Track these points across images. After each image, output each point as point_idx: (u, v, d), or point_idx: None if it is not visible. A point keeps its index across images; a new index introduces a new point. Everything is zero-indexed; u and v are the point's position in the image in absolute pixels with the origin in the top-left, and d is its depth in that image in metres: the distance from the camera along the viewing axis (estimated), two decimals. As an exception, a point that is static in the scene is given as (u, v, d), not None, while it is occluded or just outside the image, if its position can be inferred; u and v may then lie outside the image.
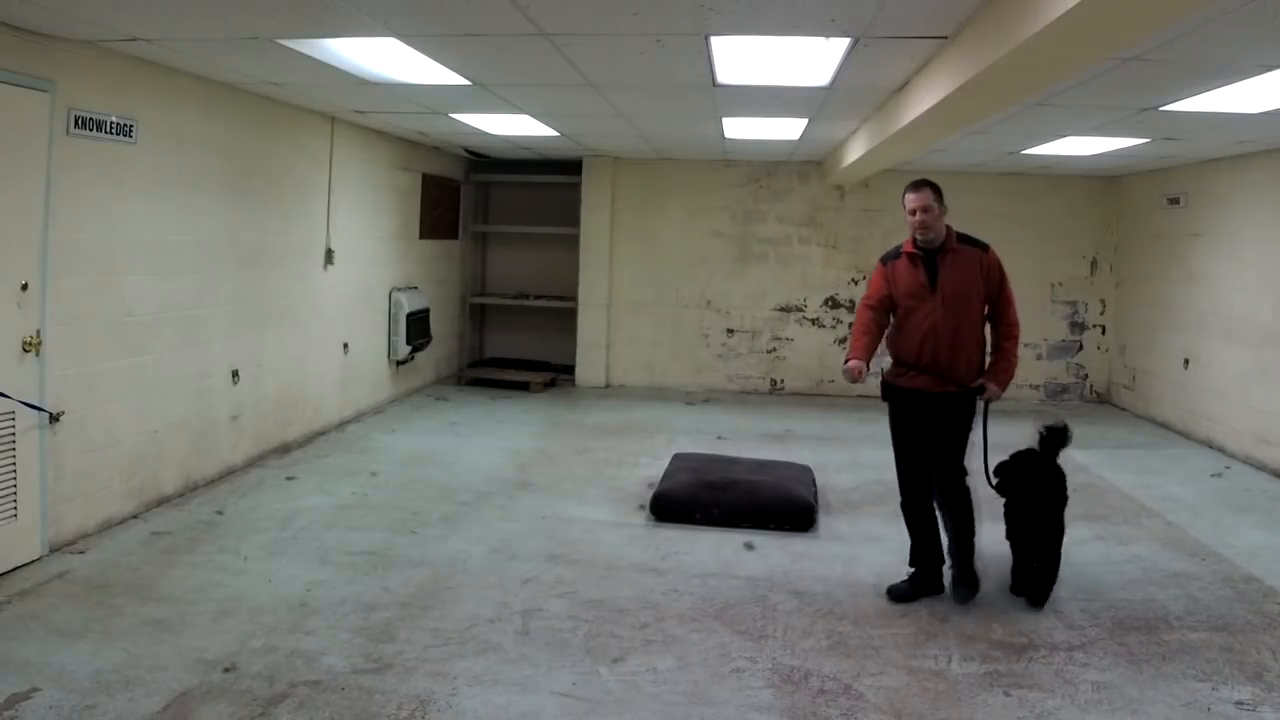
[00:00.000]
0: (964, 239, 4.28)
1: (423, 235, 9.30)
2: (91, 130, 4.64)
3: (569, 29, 4.08)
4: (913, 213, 4.18)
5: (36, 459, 4.44)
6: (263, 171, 6.31)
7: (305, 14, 3.93)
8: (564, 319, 10.47)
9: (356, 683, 3.39)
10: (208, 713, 3.14)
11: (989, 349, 4.34)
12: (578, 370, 10.29)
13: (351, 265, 7.73)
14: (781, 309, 10.12)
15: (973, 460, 4.30)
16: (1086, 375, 9.92)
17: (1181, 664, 3.72)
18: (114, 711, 3.13)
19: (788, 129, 7.08)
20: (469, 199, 10.57)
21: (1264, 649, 3.86)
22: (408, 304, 8.67)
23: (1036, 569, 4.24)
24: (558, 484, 6.20)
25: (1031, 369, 9.81)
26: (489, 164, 10.41)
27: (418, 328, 8.90)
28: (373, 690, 3.34)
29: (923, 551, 4.36)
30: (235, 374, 6.09)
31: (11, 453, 4.28)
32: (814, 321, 10.08)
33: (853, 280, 9.92)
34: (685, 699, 3.37)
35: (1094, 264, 9.82)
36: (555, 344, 10.65)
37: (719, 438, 7.68)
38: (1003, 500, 4.33)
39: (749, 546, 5.02)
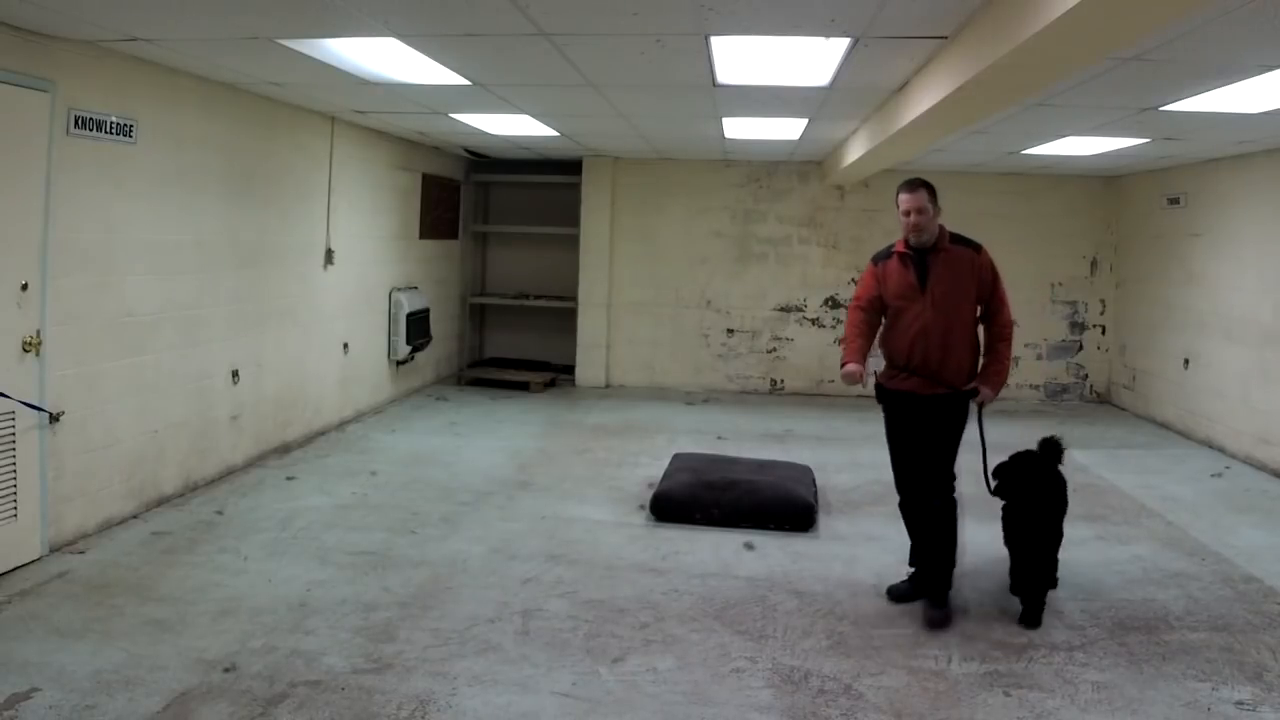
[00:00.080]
0: (956, 239, 4.20)
1: (423, 235, 9.30)
2: (91, 130, 4.64)
3: (569, 29, 4.08)
4: (906, 214, 4.10)
5: (36, 459, 4.44)
6: (263, 171, 6.31)
7: (305, 14, 3.93)
8: (564, 319, 10.47)
9: (356, 683, 3.39)
10: (208, 713, 3.15)
11: (983, 351, 4.28)
12: (578, 370, 10.29)
13: (351, 265, 7.73)
14: (781, 309, 10.12)
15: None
16: (1086, 375, 9.92)
17: (1181, 664, 3.72)
18: (114, 711, 3.13)
19: (788, 129, 7.08)
20: (469, 199, 10.57)
21: (1264, 649, 3.86)
22: (408, 304, 8.67)
23: (1029, 585, 4.11)
24: (558, 484, 6.20)
25: (1031, 369, 9.82)
26: (489, 164, 10.41)
27: (418, 328, 8.90)
28: (373, 690, 3.34)
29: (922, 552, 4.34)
30: (235, 374, 6.09)
31: (11, 453, 4.28)
32: (814, 321, 10.08)
33: (853, 280, 9.89)
34: (685, 699, 3.37)
35: (1094, 264, 9.82)
36: (555, 344, 10.65)
37: (719, 438, 7.68)
38: (1001, 504, 4.28)
39: (749, 546, 5.02)
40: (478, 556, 4.77)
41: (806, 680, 3.53)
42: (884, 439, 4.41)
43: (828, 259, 10.02)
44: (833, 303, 10.03)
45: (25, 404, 4.29)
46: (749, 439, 7.65)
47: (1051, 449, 4.31)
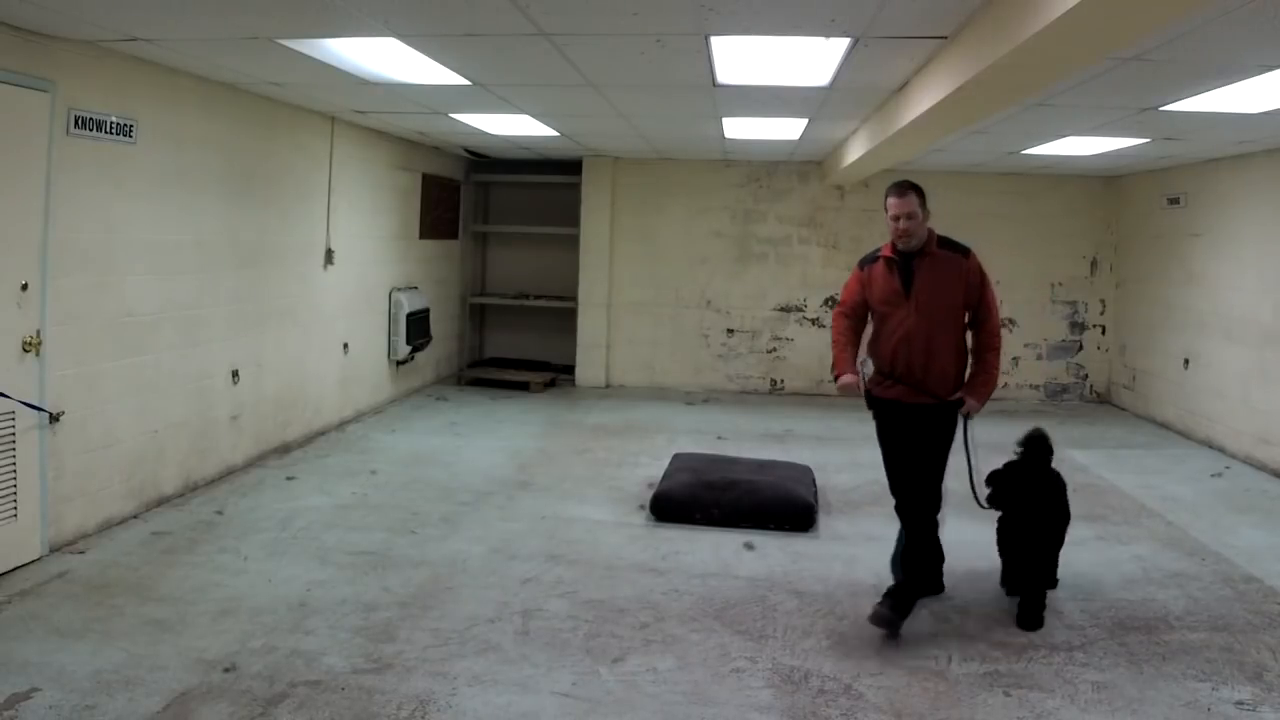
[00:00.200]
0: (945, 242, 4.06)
1: (423, 235, 9.30)
2: (91, 130, 4.64)
3: (569, 29, 4.08)
4: (895, 219, 3.97)
5: (36, 459, 4.44)
6: (263, 171, 6.31)
7: (305, 14, 3.93)
8: (564, 319, 10.47)
9: (356, 683, 3.39)
10: (208, 713, 3.15)
11: (971, 359, 4.15)
12: (578, 370, 10.29)
13: (351, 265, 7.73)
14: (781, 309, 10.12)
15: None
16: (1086, 375, 9.92)
17: (1181, 664, 3.72)
18: (114, 711, 3.13)
19: (788, 129, 7.08)
20: (469, 199, 10.57)
21: (1264, 649, 3.86)
22: (408, 304, 8.67)
23: (1028, 590, 4.09)
24: (558, 484, 6.20)
25: (1031, 369, 9.83)
26: (489, 164, 10.41)
27: (418, 328, 8.90)
28: (373, 690, 3.34)
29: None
30: (235, 374, 6.09)
31: (11, 453, 4.28)
32: (814, 321, 10.07)
33: (853, 280, 9.91)
34: (685, 699, 3.37)
35: (1094, 264, 9.82)
36: (555, 344, 10.65)
37: (719, 438, 7.68)
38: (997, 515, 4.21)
39: (749, 546, 5.02)
40: (478, 556, 4.76)
41: (806, 680, 3.53)
42: (883, 440, 4.38)
43: (828, 259, 10.02)
44: (833, 303, 10.01)
45: (25, 404, 4.29)
46: (749, 439, 7.65)
47: (1039, 446, 4.21)
